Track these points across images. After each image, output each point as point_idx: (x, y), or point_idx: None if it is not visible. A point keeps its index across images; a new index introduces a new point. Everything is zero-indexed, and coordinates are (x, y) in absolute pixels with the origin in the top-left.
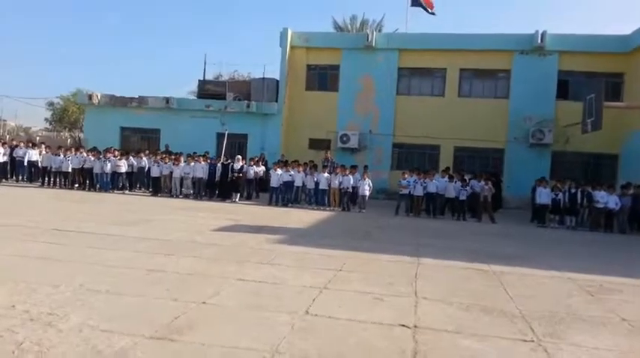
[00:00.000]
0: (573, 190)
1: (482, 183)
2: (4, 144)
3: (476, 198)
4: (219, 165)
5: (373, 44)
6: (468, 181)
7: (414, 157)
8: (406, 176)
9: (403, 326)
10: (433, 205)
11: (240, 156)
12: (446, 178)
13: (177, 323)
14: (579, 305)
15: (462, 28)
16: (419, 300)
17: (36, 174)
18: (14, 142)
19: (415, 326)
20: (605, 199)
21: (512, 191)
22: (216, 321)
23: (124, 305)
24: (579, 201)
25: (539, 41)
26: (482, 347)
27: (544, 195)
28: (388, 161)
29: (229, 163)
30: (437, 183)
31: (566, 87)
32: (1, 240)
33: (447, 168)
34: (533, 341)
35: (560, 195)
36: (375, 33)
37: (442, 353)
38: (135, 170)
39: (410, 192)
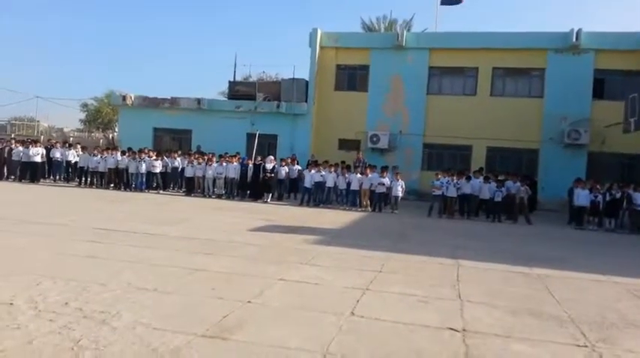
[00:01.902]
0: (613, 192)
1: (518, 184)
2: (41, 144)
3: (511, 200)
4: (251, 165)
5: (403, 44)
6: (503, 182)
7: (445, 158)
8: (439, 177)
9: (451, 329)
10: (467, 206)
11: (272, 157)
12: (480, 179)
13: (227, 321)
14: (629, 309)
15: (492, 27)
16: (464, 303)
17: (72, 174)
18: (51, 143)
19: (464, 330)
20: None
21: (547, 192)
22: (264, 321)
23: (173, 303)
24: (619, 202)
25: (574, 39)
26: (535, 352)
27: (582, 197)
28: (418, 161)
29: (261, 163)
30: (472, 184)
31: (602, 86)
32: (48, 239)
33: (480, 169)
34: (586, 346)
35: (599, 197)
36: (404, 32)
37: None
38: (169, 170)
39: (443, 193)
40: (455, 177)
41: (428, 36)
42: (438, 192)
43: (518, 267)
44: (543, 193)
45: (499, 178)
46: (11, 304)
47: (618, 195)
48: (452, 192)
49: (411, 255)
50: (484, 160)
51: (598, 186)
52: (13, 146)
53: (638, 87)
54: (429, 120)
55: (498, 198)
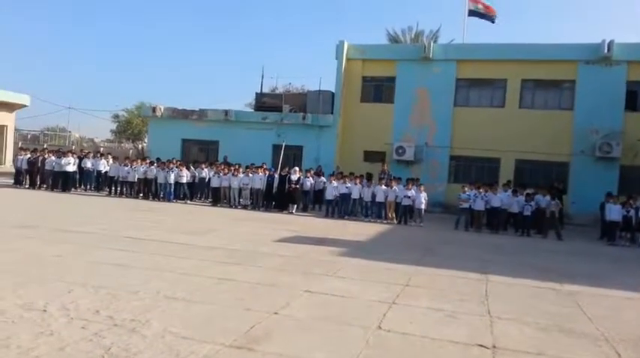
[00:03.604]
0: None
1: (548, 197)
2: (73, 154)
3: (541, 214)
4: (276, 176)
5: (430, 55)
6: (532, 196)
7: (473, 170)
8: (466, 189)
9: (481, 346)
10: (496, 220)
11: (297, 168)
12: (509, 192)
13: (254, 332)
14: None
15: (520, 38)
16: (493, 319)
17: (103, 184)
18: (83, 153)
19: (494, 347)
20: None
21: (578, 206)
22: (291, 332)
23: (201, 312)
24: None
25: (605, 51)
26: None
27: (615, 212)
28: (445, 174)
29: (287, 175)
30: (501, 198)
31: (635, 98)
32: (79, 247)
33: (509, 182)
34: None
35: (632, 212)
36: (432, 44)
37: None
38: (196, 181)
39: (470, 206)
40: (482, 190)
41: (455, 47)
42: (465, 205)
43: (548, 282)
44: (574, 207)
45: (528, 192)
46: (45, 311)
47: None
48: (480, 206)
49: (439, 269)
50: (512, 173)
51: (631, 201)
52: (46, 156)
53: None
54: (456, 132)
55: (527, 212)
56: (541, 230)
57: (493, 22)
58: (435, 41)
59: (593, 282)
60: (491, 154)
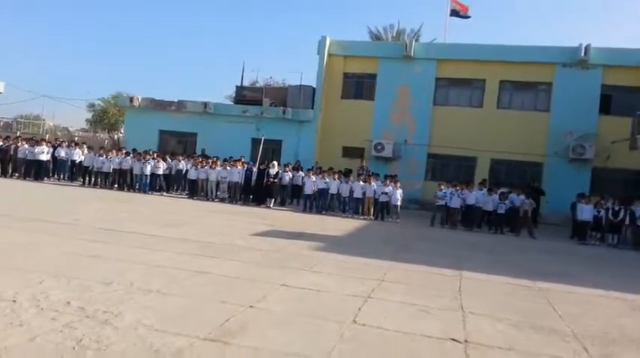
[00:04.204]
0: (616, 208)
1: (522, 196)
2: (47, 143)
3: (515, 213)
4: (255, 170)
5: (411, 54)
6: (506, 195)
7: (450, 168)
8: (442, 187)
9: (454, 340)
10: (470, 218)
11: (275, 162)
12: (484, 191)
13: (229, 325)
14: (631, 326)
15: (500, 40)
16: (466, 314)
17: (77, 174)
18: (57, 142)
19: (466, 341)
20: None
21: (551, 206)
22: (266, 326)
23: (175, 305)
24: (622, 218)
25: (582, 54)
26: None
27: (586, 212)
28: (422, 171)
29: (265, 169)
30: (476, 195)
31: (609, 101)
32: (52, 237)
33: (484, 181)
34: None
35: (602, 212)
36: (413, 42)
37: None
38: (173, 172)
39: (446, 203)
40: (458, 188)
41: (436, 47)
42: (441, 203)
43: (520, 280)
44: (547, 207)
45: (502, 190)
46: (14, 301)
47: (621, 213)
48: (455, 203)
49: (414, 265)
50: (488, 172)
51: (602, 202)
52: (19, 144)
53: None
54: (435, 131)
55: (502, 211)
56: (514, 228)
57: (467, 17)
58: (416, 40)
59: (565, 280)
60: (468, 153)
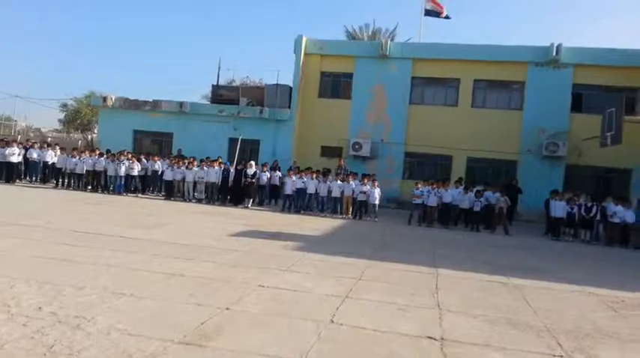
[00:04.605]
0: (589, 204)
1: (498, 194)
2: (18, 144)
3: (490, 210)
4: (232, 170)
5: (387, 53)
6: (482, 193)
7: (426, 167)
8: (419, 186)
9: (430, 338)
10: (447, 216)
11: (253, 162)
12: (460, 189)
13: (204, 328)
14: (604, 320)
15: (476, 39)
16: (442, 312)
17: (49, 175)
18: (29, 143)
19: (442, 339)
20: (623, 214)
21: (525, 203)
22: (243, 327)
23: (149, 308)
24: (594, 214)
25: (554, 54)
26: None
27: (559, 208)
28: (400, 170)
29: (242, 169)
30: (452, 194)
31: (580, 100)
32: (23, 241)
33: (460, 179)
34: (562, 356)
35: (575, 209)
36: (389, 42)
37: None
38: (149, 173)
39: (423, 201)
40: (435, 186)
41: (411, 46)
42: (419, 201)
43: (496, 276)
44: (522, 204)
45: (477, 188)
46: None
47: (594, 209)
48: (432, 201)
49: (391, 263)
50: (464, 170)
51: (575, 198)
52: None
53: (615, 102)
54: (411, 130)
55: (477, 208)
56: (490, 225)
57: (447, 17)
58: (392, 39)
59: (539, 276)
60: (444, 152)
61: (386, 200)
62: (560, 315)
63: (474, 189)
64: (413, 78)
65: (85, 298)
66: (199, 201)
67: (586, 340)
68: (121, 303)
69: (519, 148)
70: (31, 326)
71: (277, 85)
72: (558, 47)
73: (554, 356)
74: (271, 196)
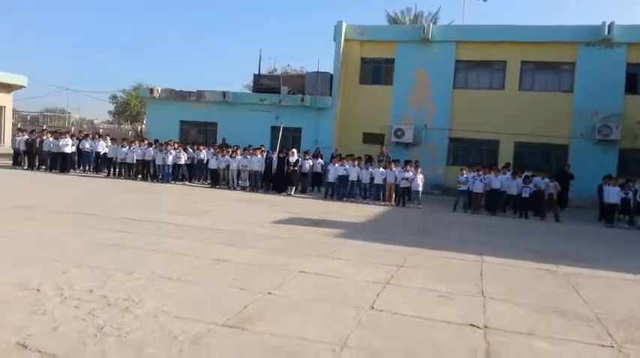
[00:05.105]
0: None
1: (547, 179)
2: (72, 135)
3: (540, 196)
4: (274, 158)
5: (429, 37)
6: (531, 178)
7: (472, 152)
8: (464, 172)
9: (473, 325)
10: (494, 202)
11: (295, 150)
12: (508, 174)
13: (247, 312)
14: None
15: (521, 20)
16: (486, 300)
17: (101, 165)
18: (82, 134)
19: (485, 327)
20: None
21: (577, 189)
22: (284, 312)
23: (195, 292)
24: None
25: (606, 32)
26: (558, 351)
27: (613, 194)
28: (444, 156)
29: (285, 157)
30: (500, 179)
31: (635, 80)
32: (77, 228)
33: (507, 164)
34: (612, 347)
35: (630, 194)
36: (431, 25)
37: (516, 356)
38: (195, 162)
39: (469, 188)
40: (481, 172)
41: (455, 29)
42: (464, 187)
43: (544, 264)
44: (573, 190)
45: (526, 174)
46: (38, 290)
47: None
48: (478, 188)
49: (434, 250)
50: (512, 156)
51: (630, 184)
52: (44, 137)
53: None
54: (455, 115)
55: (526, 194)
56: (539, 212)
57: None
58: (434, 23)
59: (590, 264)
60: (490, 136)
61: (430, 186)
62: (612, 305)
63: (523, 175)
64: (457, 61)
65: (134, 282)
66: (243, 188)
67: (639, 331)
68: (168, 287)
69: (570, 132)
70: (83, 309)
71: (318, 72)
72: (610, 25)
73: (604, 346)
74: (314, 184)
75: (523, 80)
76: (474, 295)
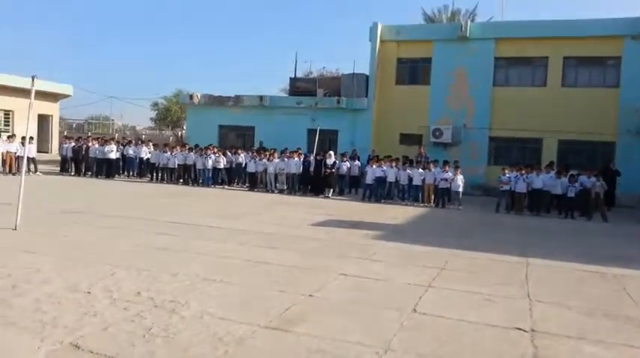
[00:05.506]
0: None
1: (594, 178)
2: (116, 142)
3: (586, 195)
4: (312, 160)
5: (467, 34)
6: (576, 177)
7: (513, 151)
8: (506, 172)
9: (519, 329)
10: (538, 202)
11: (332, 152)
12: (552, 173)
13: (289, 314)
14: None
15: (560, 15)
16: (533, 303)
17: (145, 170)
18: (125, 140)
19: (533, 330)
20: None
21: (624, 188)
22: (326, 314)
23: (238, 294)
24: None
25: None
26: (609, 356)
27: None
28: (485, 156)
29: (322, 159)
30: (543, 179)
31: None
32: (123, 231)
33: (551, 163)
34: None
35: None
36: (469, 22)
37: None
38: (233, 166)
39: (511, 188)
40: (524, 172)
41: (493, 25)
42: (506, 187)
43: (593, 266)
44: (620, 188)
45: (572, 173)
46: (89, 292)
47: None
48: (521, 188)
49: (477, 252)
50: (555, 154)
51: None
52: (89, 144)
53: None
54: (496, 113)
55: (571, 194)
56: (586, 212)
57: None
58: (472, 20)
59: None
60: (532, 135)
61: (470, 187)
62: None
63: (568, 174)
64: (496, 58)
65: (179, 284)
66: (281, 191)
67: None
68: (212, 289)
69: (616, 129)
70: (131, 310)
71: (354, 74)
72: None
73: None
74: (351, 186)
75: (566, 76)
76: (520, 298)
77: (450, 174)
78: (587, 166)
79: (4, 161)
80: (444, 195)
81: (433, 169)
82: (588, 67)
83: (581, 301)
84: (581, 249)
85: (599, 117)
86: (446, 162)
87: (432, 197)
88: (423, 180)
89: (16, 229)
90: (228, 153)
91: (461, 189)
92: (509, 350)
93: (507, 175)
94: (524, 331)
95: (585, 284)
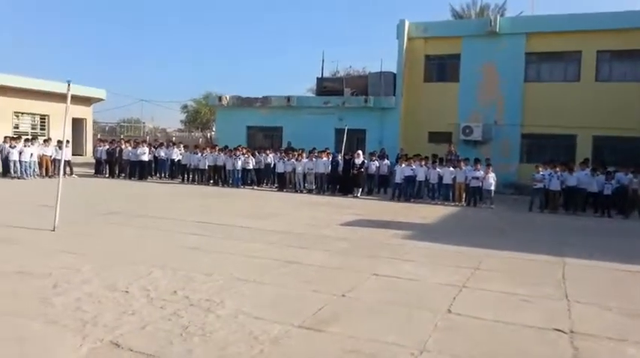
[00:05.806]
0: None
1: (631, 175)
2: (148, 144)
3: (623, 193)
4: (340, 160)
5: (497, 29)
6: (613, 174)
7: (547, 148)
8: (540, 169)
9: (558, 330)
10: (573, 201)
11: (360, 152)
12: (587, 171)
13: (322, 314)
14: None
15: (592, 7)
16: (571, 303)
17: (176, 171)
18: (157, 142)
19: (572, 332)
20: None
21: None
22: (359, 314)
23: (271, 294)
24: None
25: None
26: None
27: None
28: (516, 153)
29: (350, 158)
30: (578, 176)
31: None
32: (158, 232)
33: (586, 160)
34: None
35: None
36: (498, 17)
37: None
38: (262, 166)
39: (545, 186)
40: (558, 169)
41: (524, 20)
42: (540, 186)
43: (632, 265)
44: None
45: (608, 170)
46: (127, 292)
47: None
48: (555, 186)
49: (511, 252)
50: (590, 151)
51: None
52: (123, 146)
53: None
54: (528, 109)
55: (608, 191)
56: (623, 210)
57: None
58: (501, 15)
59: None
60: (566, 131)
61: (502, 186)
62: None
63: (605, 171)
64: (527, 54)
65: (214, 283)
66: (310, 191)
67: None
68: (246, 289)
69: None
70: (168, 309)
71: (381, 72)
72: None
73: None
74: (380, 185)
75: (600, 70)
76: (557, 298)
77: (481, 173)
78: (624, 163)
79: (40, 164)
80: (475, 194)
81: (464, 167)
82: (623, 61)
83: (622, 302)
84: (619, 248)
85: (635, 111)
86: (477, 160)
87: (463, 196)
88: (454, 179)
89: (54, 230)
90: (257, 154)
91: (493, 188)
92: (548, 351)
93: (541, 173)
94: (563, 332)
95: (625, 285)
